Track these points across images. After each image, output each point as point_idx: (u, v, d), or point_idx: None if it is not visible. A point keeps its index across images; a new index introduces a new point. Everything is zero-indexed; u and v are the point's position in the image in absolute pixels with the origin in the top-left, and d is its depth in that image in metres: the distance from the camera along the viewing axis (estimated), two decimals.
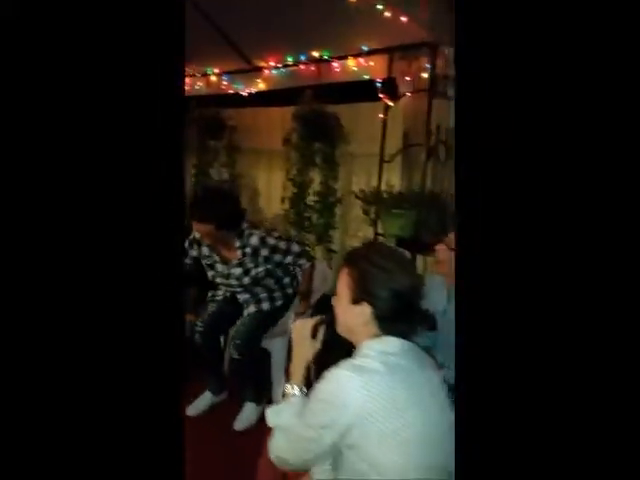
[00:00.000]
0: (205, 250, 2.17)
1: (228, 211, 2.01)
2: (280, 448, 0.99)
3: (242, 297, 2.29)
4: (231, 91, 3.46)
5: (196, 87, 3.75)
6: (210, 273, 2.25)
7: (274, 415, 1.03)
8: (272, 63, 3.02)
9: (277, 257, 2.13)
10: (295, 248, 2.17)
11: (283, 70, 3.02)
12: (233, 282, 2.19)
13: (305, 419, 0.94)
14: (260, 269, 2.14)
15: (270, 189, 3.63)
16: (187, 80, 3.79)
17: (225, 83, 3.46)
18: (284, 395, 1.08)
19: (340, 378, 0.91)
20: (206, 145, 3.83)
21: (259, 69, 3.12)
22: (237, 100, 3.45)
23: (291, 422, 0.98)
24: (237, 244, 2.07)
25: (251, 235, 2.08)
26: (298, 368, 1.09)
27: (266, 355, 2.31)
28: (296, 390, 1.06)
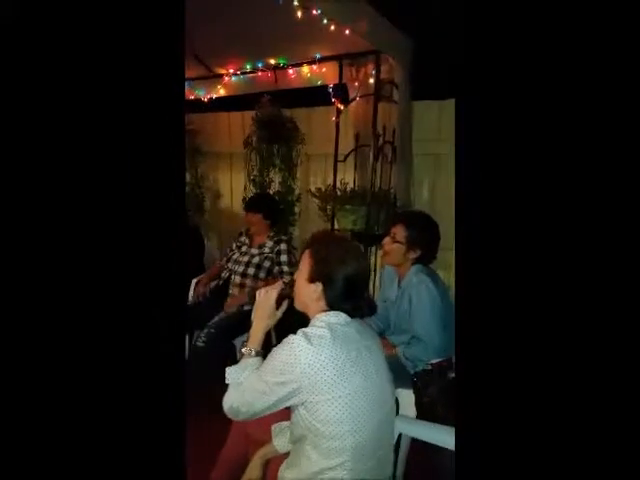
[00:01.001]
0: (243, 238, 2.64)
1: (274, 207, 2.63)
2: (235, 399, 1.06)
3: (238, 279, 2.48)
4: (192, 97, 3.49)
5: None
6: (231, 254, 2.63)
7: (233, 374, 1.10)
8: (231, 70, 3.09)
9: (284, 257, 2.47)
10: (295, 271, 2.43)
11: (242, 77, 3.10)
12: (245, 259, 2.51)
13: (261, 375, 1.03)
14: (270, 255, 2.48)
15: (232, 190, 3.68)
16: None
17: (187, 89, 3.50)
18: (242, 356, 1.15)
19: (293, 343, 1.00)
20: None
21: (219, 76, 3.18)
22: (199, 105, 3.49)
23: (248, 377, 1.06)
24: (270, 233, 2.54)
25: (281, 235, 2.60)
26: (258, 333, 1.17)
27: (232, 349, 2.34)
28: (254, 353, 1.14)
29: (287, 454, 1.15)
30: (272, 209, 2.58)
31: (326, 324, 1.04)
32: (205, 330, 2.24)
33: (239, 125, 3.37)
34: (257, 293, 1.20)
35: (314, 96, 2.79)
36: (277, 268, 2.48)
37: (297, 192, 3.12)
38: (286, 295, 1.19)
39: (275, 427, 1.23)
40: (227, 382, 1.10)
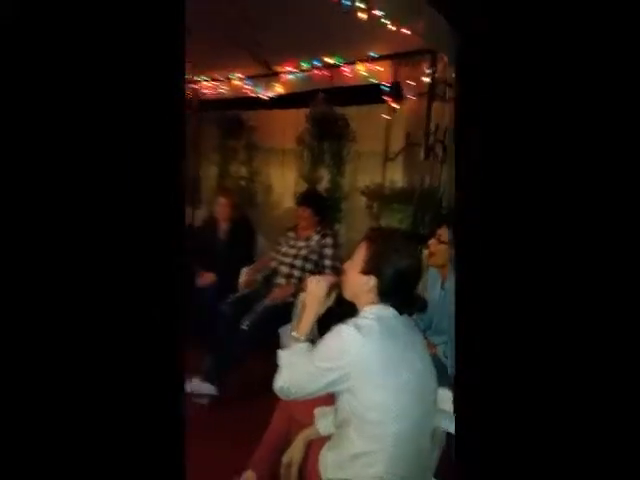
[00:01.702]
0: (291, 234, 2.65)
1: (323, 204, 2.66)
2: (286, 380, 1.07)
3: (285, 270, 2.51)
4: (252, 94, 3.57)
5: (220, 90, 3.89)
6: (279, 247, 2.65)
7: (285, 357, 1.11)
8: (289, 68, 3.13)
9: (328, 251, 2.47)
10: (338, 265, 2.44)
11: (299, 75, 3.13)
12: (292, 251, 2.53)
13: (312, 359, 1.04)
14: (317, 248, 2.48)
15: (283, 185, 3.73)
16: (211, 84, 3.93)
17: (247, 87, 3.58)
18: (292, 340, 1.16)
19: (344, 332, 1.00)
20: (227, 145, 3.95)
21: (277, 74, 3.23)
22: (257, 103, 3.55)
23: (299, 361, 1.07)
24: (317, 228, 2.52)
25: (330, 229, 2.61)
26: (308, 320, 1.16)
27: (276, 336, 2.35)
28: (303, 338, 1.14)
29: (328, 437, 1.15)
30: (322, 205, 2.61)
31: (375, 316, 1.04)
32: (250, 316, 2.29)
33: (293, 122, 3.40)
34: (309, 281, 1.21)
35: (367, 94, 2.77)
36: (321, 261, 2.49)
37: (345, 189, 3.11)
38: (336, 285, 1.19)
39: (318, 410, 1.24)
40: (278, 363, 1.11)
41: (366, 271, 1.08)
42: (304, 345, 1.12)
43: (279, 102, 3.43)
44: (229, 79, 3.71)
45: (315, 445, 1.17)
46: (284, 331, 2.35)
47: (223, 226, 2.90)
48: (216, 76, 3.81)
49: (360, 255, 1.11)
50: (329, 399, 1.12)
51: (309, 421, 1.24)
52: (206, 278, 2.72)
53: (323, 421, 1.22)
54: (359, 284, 1.10)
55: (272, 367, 1.12)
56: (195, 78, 3.92)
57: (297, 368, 1.07)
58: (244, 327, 2.24)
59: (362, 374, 0.98)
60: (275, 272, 2.60)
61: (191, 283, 2.72)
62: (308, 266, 2.49)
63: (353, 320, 1.04)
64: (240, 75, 3.56)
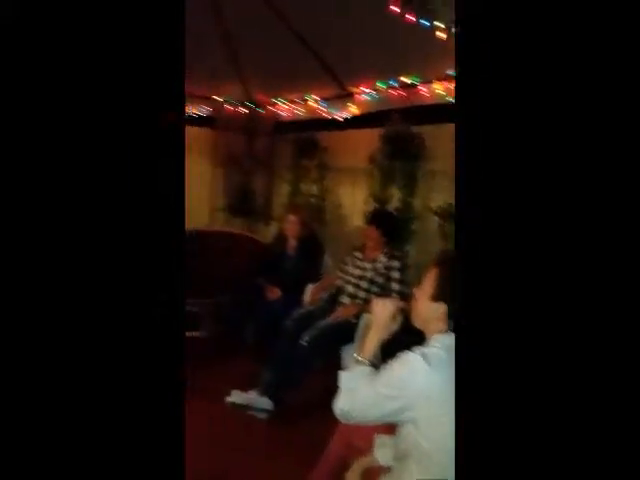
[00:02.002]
0: (358, 254, 2.62)
1: (394, 224, 2.63)
2: (347, 404, 1.03)
3: (350, 289, 2.49)
4: (328, 116, 3.62)
5: (296, 112, 4.01)
6: (346, 266, 2.63)
7: (346, 380, 1.07)
8: (364, 89, 3.14)
9: (395, 274, 2.41)
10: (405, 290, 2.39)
11: (374, 95, 3.12)
12: (357, 272, 2.51)
13: (376, 385, 0.99)
14: (383, 271, 2.43)
15: (353, 204, 3.71)
16: (288, 106, 4.06)
17: (322, 108, 3.65)
18: (354, 363, 1.12)
19: (411, 361, 0.95)
20: (300, 164, 4.04)
21: (351, 95, 3.26)
22: (331, 123, 3.59)
23: (361, 385, 1.02)
24: (385, 249, 2.47)
25: (399, 251, 2.59)
26: (372, 343, 1.12)
27: (338, 355, 2.31)
28: (367, 362, 1.10)
29: (387, 468, 1.09)
30: (391, 225, 2.55)
31: (444, 346, 0.97)
32: (311, 332, 2.27)
33: (366, 142, 3.40)
34: (374, 303, 1.17)
35: (443, 113, 2.69)
36: (387, 284, 2.42)
37: (418, 209, 3.03)
38: (402, 309, 1.14)
39: (378, 439, 1.19)
40: (339, 385, 1.07)
41: (436, 298, 1.03)
42: (366, 369, 1.08)
43: (354, 122, 3.45)
44: (305, 100, 3.81)
45: (374, 474, 1.11)
46: (346, 352, 2.30)
47: (292, 243, 2.94)
48: (292, 98, 3.93)
49: (430, 280, 1.06)
50: (390, 427, 1.06)
51: (367, 447, 1.18)
52: (273, 293, 2.76)
53: (382, 451, 1.16)
54: (428, 311, 1.04)
55: (333, 386, 1.08)
56: (272, 100, 4.08)
57: (359, 392, 1.02)
58: (303, 343, 2.23)
59: (426, 406, 0.91)
60: (340, 291, 2.58)
61: (259, 297, 2.78)
62: (374, 288, 2.43)
63: (421, 349, 0.98)
64: (316, 97, 3.64)
